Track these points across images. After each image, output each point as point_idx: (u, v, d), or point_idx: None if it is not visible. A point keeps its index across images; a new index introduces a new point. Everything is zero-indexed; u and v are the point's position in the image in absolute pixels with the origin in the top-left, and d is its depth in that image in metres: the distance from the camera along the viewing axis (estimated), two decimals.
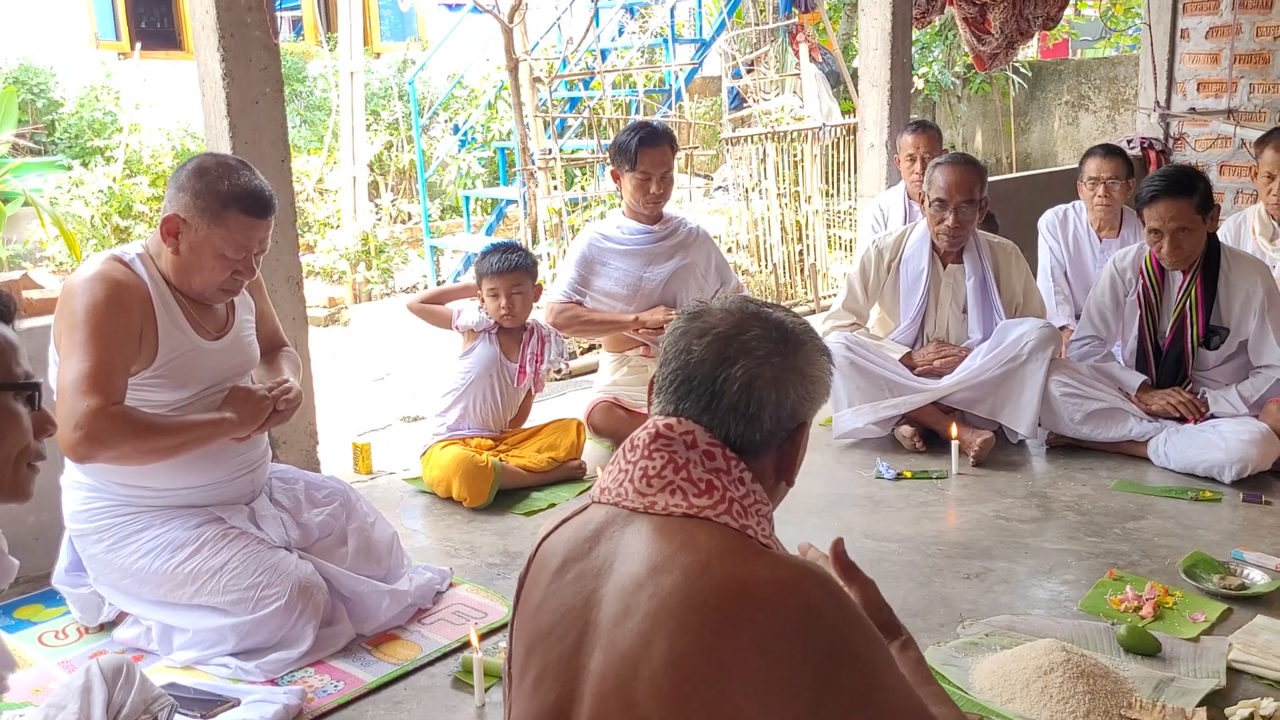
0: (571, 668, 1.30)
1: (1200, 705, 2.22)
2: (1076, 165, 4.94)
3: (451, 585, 2.85)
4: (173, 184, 2.42)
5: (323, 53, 9.37)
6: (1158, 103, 7.12)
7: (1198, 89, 7.21)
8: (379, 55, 10.68)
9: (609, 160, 4.03)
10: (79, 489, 2.49)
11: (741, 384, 1.33)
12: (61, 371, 2.30)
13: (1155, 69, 7.15)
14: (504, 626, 2.65)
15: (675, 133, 3.99)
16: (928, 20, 6.09)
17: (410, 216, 9.42)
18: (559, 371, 4.02)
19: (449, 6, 9.82)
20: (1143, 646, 2.45)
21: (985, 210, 3.95)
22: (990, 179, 4.30)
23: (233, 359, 2.58)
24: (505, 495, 3.50)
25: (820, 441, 4.04)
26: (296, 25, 11.19)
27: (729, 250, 7.46)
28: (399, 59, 10.31)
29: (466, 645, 2.39)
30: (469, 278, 7.22)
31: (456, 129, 9.15)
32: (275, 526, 2.56)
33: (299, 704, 2.22)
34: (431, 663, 2.51)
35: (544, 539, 1.42)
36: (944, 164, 3.89)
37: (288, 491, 2.69)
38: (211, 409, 2.49)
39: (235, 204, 2.38)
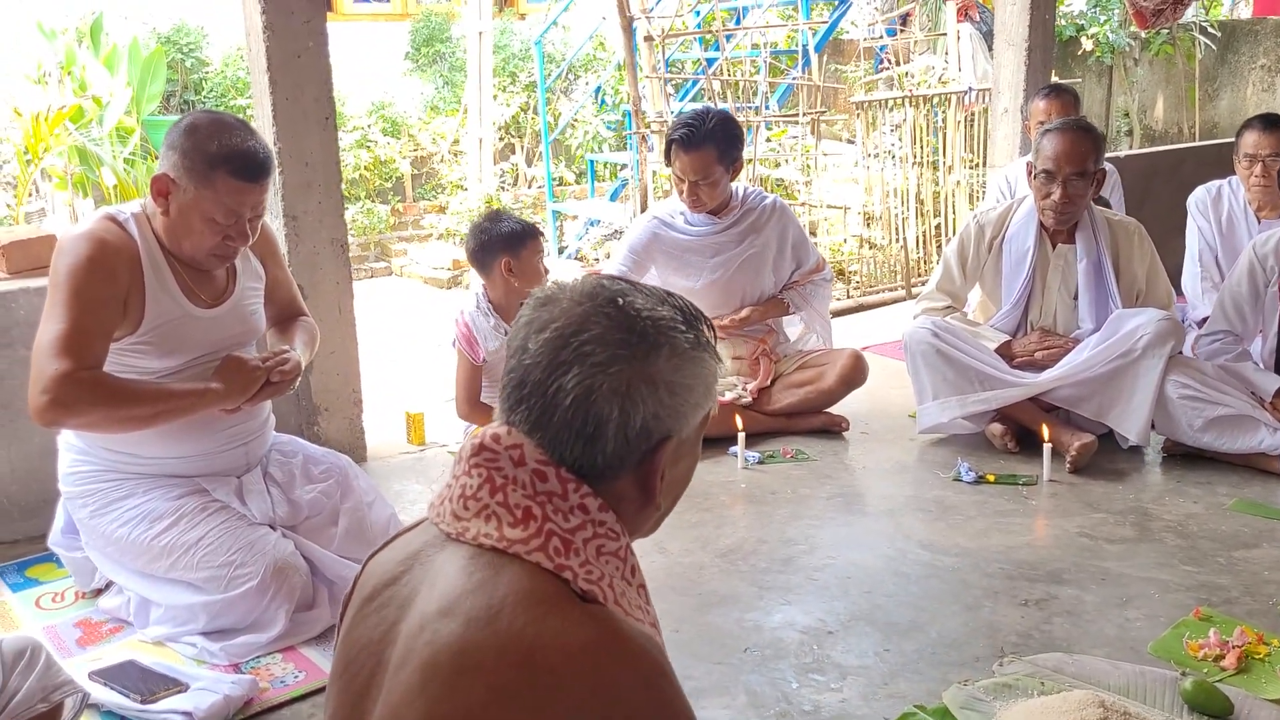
0: (356, 713, 1.10)
1: None
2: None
3: None
4: (165, 141, 2.32)
5: (460, 13, 9.36)
6: None
7: None
8: (524, 16, 10.61)
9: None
10: (69, 451, 2.45)
11: (575, 398, 1.07)
12: (39, 332, 2.24)
13: None
14: None
15: (726, 124, 3.61)
16: None
17: (538, 180, 9.35)
18: None
19: None
20: (1210, 706, 2.06)
21: (1100, 184, 3.48)
22: (1150, 149, 3.79)
23: (230, 328, 2.48)
24: None
25: (903, 436, 3.71)
26: None
27: (865, 223, 7.04)
28: (544, 20, 10.22)
29: None
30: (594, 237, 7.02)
31: (598, 90, 9.00)
32: (261, 502, 2.46)
33: (244, 694, 2.11)
34: None
35: (371, 556, 1.22)
36: (1054, 130, 3.44)
37: (284, 465, 2.59)
38: (203, 379, 2.39)
39: (224, 165, 2.26)
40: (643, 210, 6.20)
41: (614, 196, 7.99)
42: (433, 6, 10.29)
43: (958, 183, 6.89)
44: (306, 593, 2.41)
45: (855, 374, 3.70)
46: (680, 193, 3.68)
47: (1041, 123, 4.53)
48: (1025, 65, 5.11)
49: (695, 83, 7.36)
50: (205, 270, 2.42)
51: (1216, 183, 4.30)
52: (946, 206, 6.82)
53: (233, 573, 2.31)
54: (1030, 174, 3.53)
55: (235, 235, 2.33)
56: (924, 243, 6.83)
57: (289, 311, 2.72)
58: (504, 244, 3.33)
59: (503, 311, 3.38)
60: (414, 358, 5.25)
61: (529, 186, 8.80)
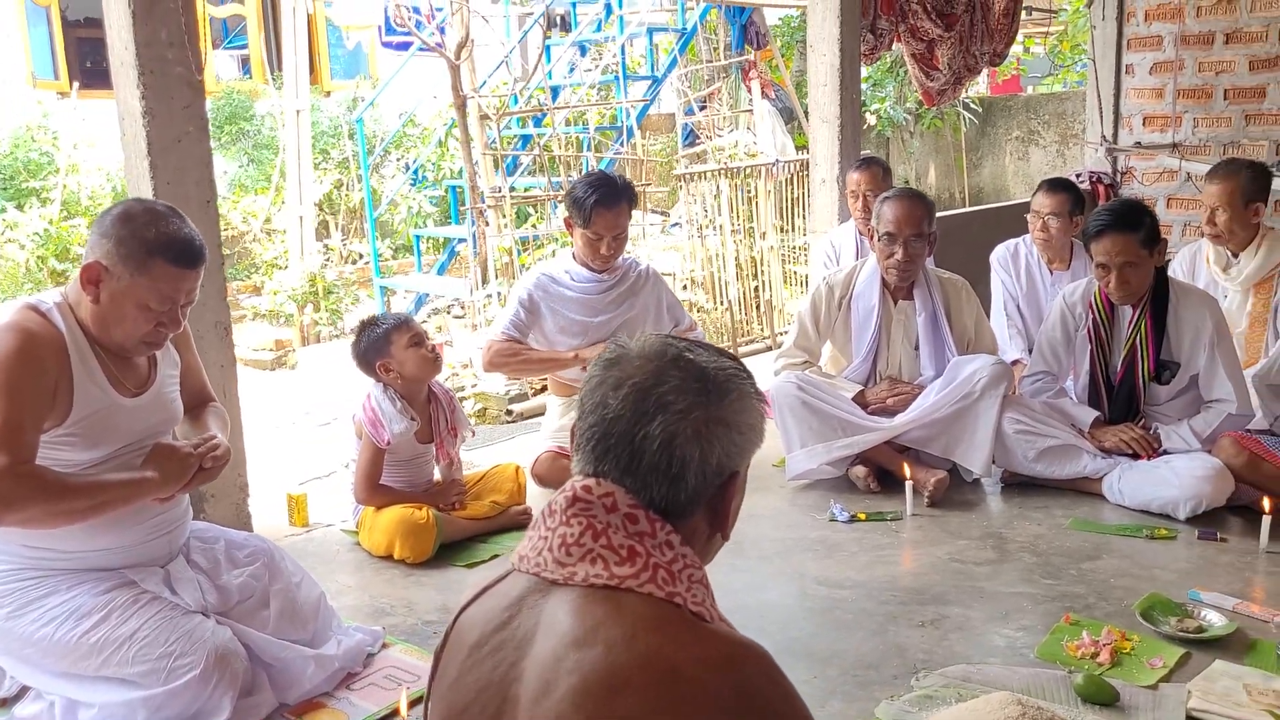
0: None
1: None
2: (1027, 200, 4.94)
3: (384, 646, 2.71)
4: (95, 229, 2.29)
5: (270, 91, 9.26)
6: (1104, 137, 7.18)
7: (1143, 123, 7.29)
8: (329, 94, 10.57)
9: (565, 206, 3.92)
10: None
11: (661, 442, 1.22)
12: None
13: (1101, 104, 7.21)
14: None
15: (630, 180, 3.88)
16: (876, 56, 6.09)
17: (360, 256, 9.28)
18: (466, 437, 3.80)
19: (391, 46, 9.74)
20: (1100, 696, 2.36)
21: (934, 245, 3.90)
22: (940, 214, 4.26)
23: (153, 416, 2.44)
24: (447, 547, 3.36)
25: (774, 483, 3.96)
26: (244, 64, 11.06)
27: (684, 287, 7.40)
28: (349, 97, 10.22)
29: (395, 714, 2.26)
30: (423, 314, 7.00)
31: (408, 167, 9.05)
32: (191, 590, 2.41)
33: None
34: None
35: (462, 610, 1.31)
36: (892, 198, 3.84)
37: (206, 552, 2.55)
38: (129, 469, 2.34)
39: (162, 252, 2.26)
40: (484, 283, 6.32)
41: (441, 270, 8.05)
42: (234, 84, 10.11)
43: (771, 247, 7.38)
44: (247, 678, 2.37)
45: None
46: (588, 256, 3.82)
47: (853, 192, 5.02)
48: (838, 139, 5.60)
49: (515, 159, 7.58)
50: (128, 359, 2.38)
51: (1014, 240, 4.84)
52: (760, 270, 7.27)
53: (172, 664, 2.26)
54: (872, 238, 3.91)
55: (168, 322, 2.32)
56: (745, 304, 7.25)
57: (200, 398, 2.69)
58: (373, 353, 3.42)
59: (408, 396, 3.43)
60: (261, 440, 5.13)
61: (356, 262, 8.72)
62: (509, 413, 5.46)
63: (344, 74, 11.04)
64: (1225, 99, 7.07)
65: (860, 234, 5.12)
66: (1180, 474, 3.45)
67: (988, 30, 6.57)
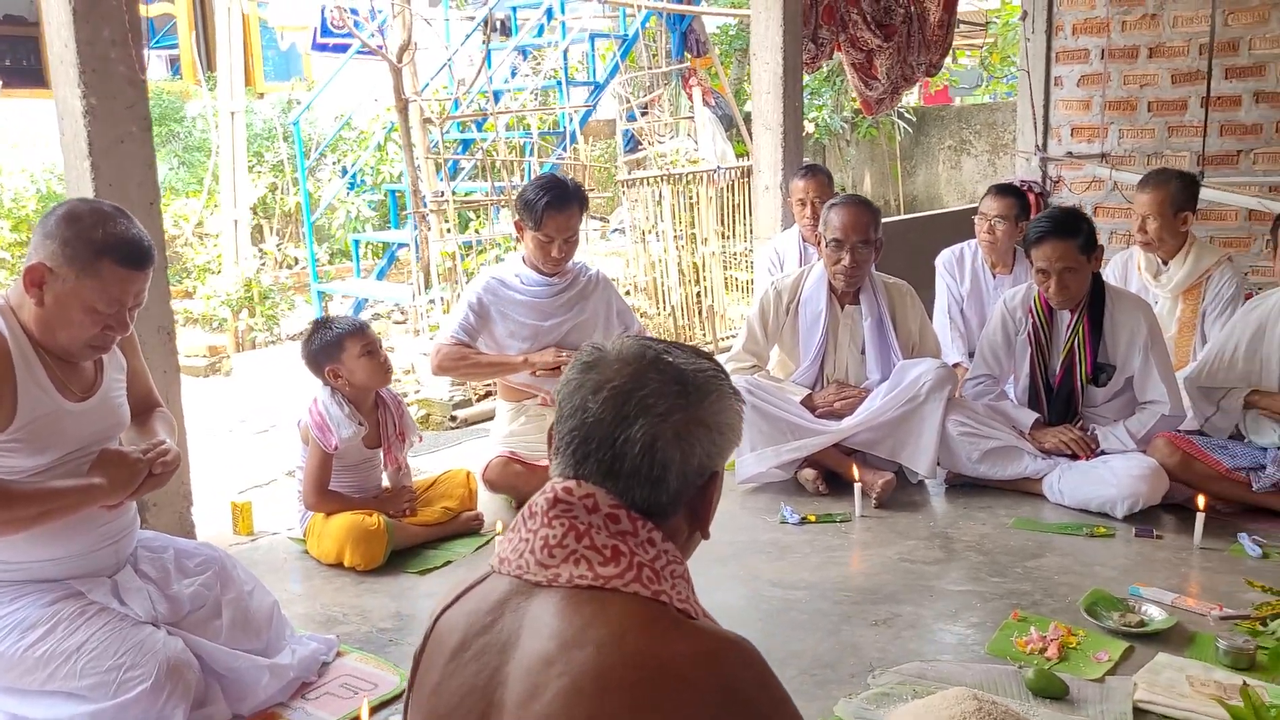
0: None
1: None
2: (961, 207, 5.05)
3: (339, 654, 2.68)
4: (39, 230, 2.23)
5: (201, 92, 9.07)
6: (1038, 147, 7.36)
7: (1071, 134, 7.49)
8: (262, 95, 10.40)
9: (514, 210, 3.90)
10: None
11: (643, 445, 1.23)
12: None
13: (1035, 115, 7.40)
14: (397, 698, 2.49)
15: (580, 186, 3.87)
16: (817, 65, 6.17)
17: (296, 261, 9.13)
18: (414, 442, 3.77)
19: (324, 48, 9.61)
20: (1050, 690, 2.42)
21: (880, 250, 3.97)
22: (885, 219, 4.33)
23: (100, 421, 2.37)
24: (398, 554, 3.33)
25: (724, 487, 3.97)
26: (174, 64, 10.83)
27: (627, 293, 7.41)
28: (283, 99, 10.06)
29: None
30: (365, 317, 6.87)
31: (345, 171, 8.93)
32: (141, 600, 2.36)
33: None
34: None
35: (440, 613, 1.30)
36: (839, 205, 3.90)
37: (155, 561, 2.49)
38: (76, 475, 2.28)
39: (110, 253, 2.20)
40: (427, 287, 6.26)
41: (381, 275, 7.95)
42: (164, 85, 9.89)
43: (712, 253, 7.43)
44: (199, 690, 2.32)
45: None
46: (539, 259, 3.81)
47: (801, 199, 5.08)
48: (781, 147, 5.66)
49: (455, 163, 7.53)
50: (73, 363, 2.32)
51: (960, 245, 4.95)
52: (702, 276, 7.32)
53: (122, 676, 2.20)
54: (820, 244, 3.96)
55: (115, 325, 2.26)
56: (687, 310, 7.29)
57: (147, 403, 2.63)
58: (324, 357, 3.38)
59: (355, 401, 3.38)
60: (197, 448, 5.02)
61: (292, 267, 8.58)
62: (453, 419, 5.42)
63: (277, 76, 10.87)
64: (1149, 111, 7.31)
65: (804, 240, 5.19)
66: (1118, 473, 3.55)
67: (924, 41, 6.70)
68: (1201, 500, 3.35)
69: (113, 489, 2.27)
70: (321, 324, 3.43)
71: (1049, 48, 7.48)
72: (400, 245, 7.90)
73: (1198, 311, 4.31)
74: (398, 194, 8.24)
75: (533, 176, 7.15)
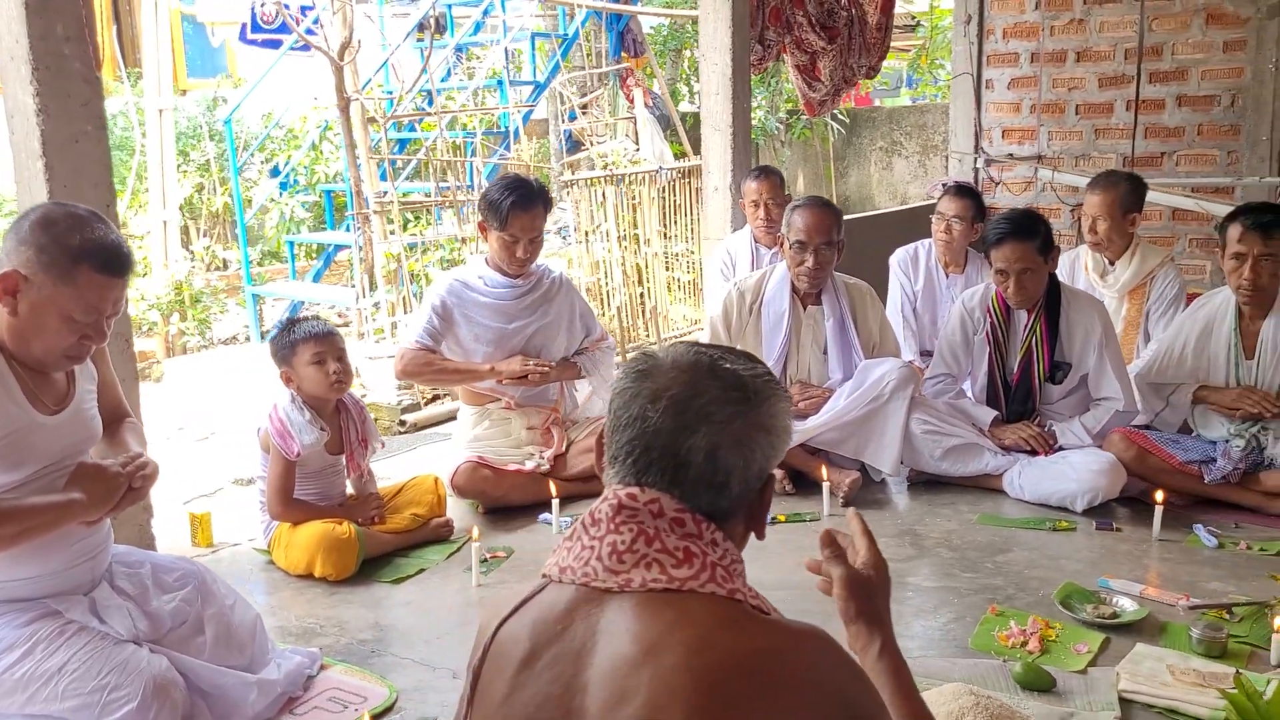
0: None
1: None
2: (897, 208, 5.13)
3: (322, 668, 2.61)
4: (12, 237, 2.13)
5: (122, 88, 8.77)
6: (982, 149, 7.54)
7: (1002, 136, 7.68)
8: (185, 92, 10.10)
9: (478, 210, 3.85)
10: None
11: (706, 453, 1.24)
12: None
13: (979, 116, 7.59)
14: (389, 709, 2.44)
15: (545, 186, 3.84)
16: (764, 67, 6.22)
17: (225, 264, 8.90)
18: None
19: (255, 44, 9.39)
20: (1038, 683, 2.47)
21: (842, 251, 4.01)
22: None
23: (74, 434, 2.28)
24: (369, 563, 3.26)
25: None
26: None
27: None
28: (208, 97, 9.79)
29: None
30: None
31: (276, 171, 8.72)
32: (121, 618, 2.27)
33: None
34: None
35: (499, 625, 1.27)
36: (802, 207, 3.93)
37: (132, 577, 2.39)
38: (52, 490, 2.18)
39: (88, 260, 2.11)
40: (372, 289, 6.15)
41: (317, 277, 7.79)
42: None
43: (655, 254, 7.43)
44: (186, 708, 2.24)
45: None
46: (504, 260, 3.77)
47: (755, 200, 5.12)
48: (731, 148, 5.69)
49: (391, 163, 7.41)
50: (45, 374, 2.22)
51: (914, 244, 5.03)
52: (645, 277, 7.32)
53: (107, 697, 2.11)
54: (783, 245, 3.99)
55: (93, 334, 2.18)
56: (631, 311, 7.28)
57: (116, 414, 2.53)
58: (278, 358, 3.32)
59: (316, 407, 3.30)
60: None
61: (224, 269, 8.35)
62: (402, 423, 5.34)
63: (201, 72, 10.58)
64: (1077, 114, 7.52)
65: (757, 241, 5.22)
66: (1078, 469, 3.64)
67: (865, 44, 6.80)
68: (1160, 494, 3.45)
69: (93, 504, 2.18)
70: (288, 324, 3.35)
71: (980, 51, 7.66)
72: (338, 247, 7.75)
73: (1142, 310, 4.45)
74: (333, 194, 8.08)
75: (474, 176, 7.09)
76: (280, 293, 7.56)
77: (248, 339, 7.73)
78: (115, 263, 2.15)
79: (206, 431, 5.57)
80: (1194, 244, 7.22)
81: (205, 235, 8.78)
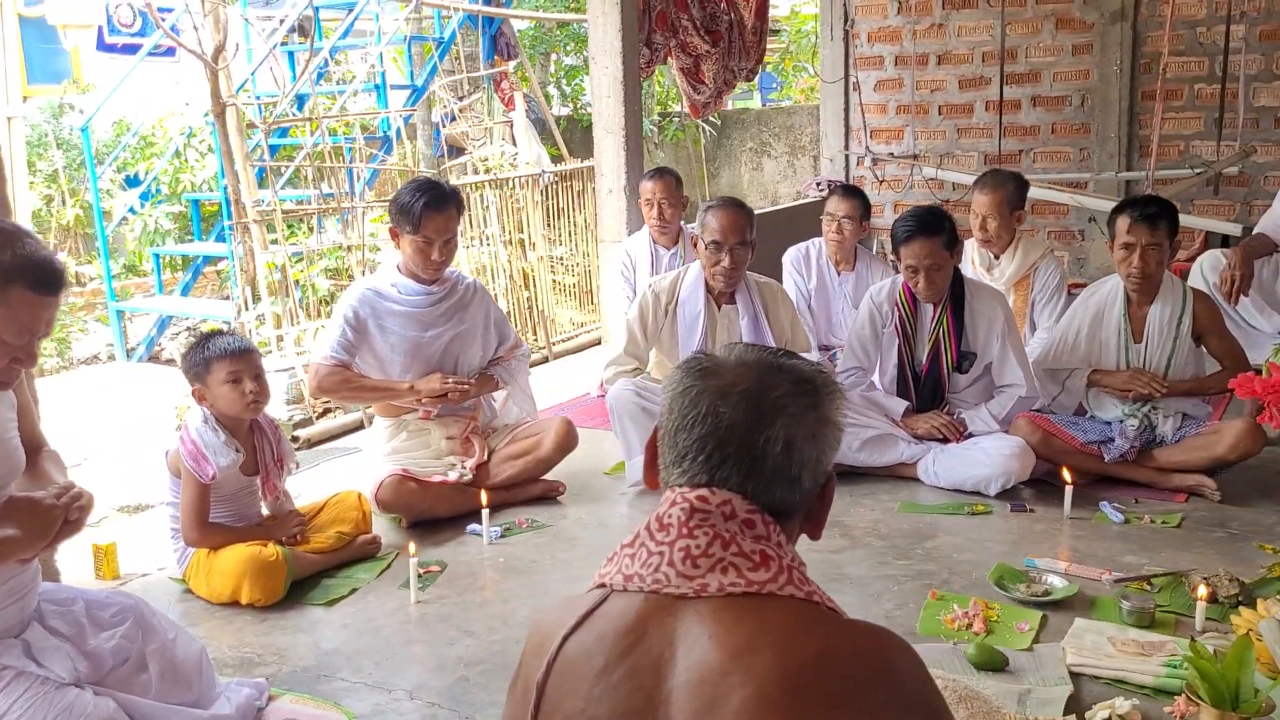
0: None
1: (1066, 714, 2.34)
2: (769, 208, 5.24)
3: (271, 699, 2.49)
4: None
5: None
6: (868, 149, 7.77)
7: (870, 135, 7.94)
8: (26, 99, 9.47)
9: (389, 216, 3.73)
10: None
11: (784, 444, 1.23)
12: None
13: (848, 118, 7.81)
14: None
15: (456, 188, 3.76)
16: (651, 70, 6.26)
17: (80, 279, 8.38)
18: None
19: (111, 48, 8.90)
20: (992, 662, 2.56)
21: (754, 250, 4.06)
22: (692, 224, 4.44)
23: None
24: (296, 585, 3.13)
25: (612, 492, 3.97)
26: None
27: None
28: (53, 104, 9.21)
29: None
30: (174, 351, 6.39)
31: (133, 180, 8.27)
32: (60, 659, 2.10)
33: None
34: None
35: (565, 639, 1.23)
36: (716, 207, 3.96)
37: (65, 615, 2.22)
38: None
39: (21, 279, 1.95)
40: (255, 301, 5.90)
41: (186, 290, 7.42)
42: None
43: (540, 258, 7.38)
44: None
45: (569, 440, 3.90)
46: (419, 264, 3.66)
47: (649, 200, 5.15)
48: (624, 150, 5.70)
49: (262, 170, 7.12)
50: None
51: (805, 243, 5.15)
52: (531, 281, 7.25)
53: None
54: (697, 245, 4.02)
55: (24, 357, 2.01)
56: (519, 316, 7.21)
57: (34, 443, 2.34)
58: (190, 375, 3.16)
59: (230, 426, 3.14)
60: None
61: (82, 285, 7.87)
62: (295, 439, 5.14)
63: (44, 78, 9.92)
64: (940, 114, 7.84)
65: (655, 242, 5.25)
66: (990, 454, 3.78)
67: (743, 47, 6.92)
68: (1069, 474, 3.62)
69: (29, 541, 2.01)
70: (202, 339, 3.17)
71: (847, 54, 7.90)
72: (206, 258, 7.40)
73: (1028, 301, 4.67)
74: (200, 204, 7.72)
75: (354, 182, 6.88)
76: (147, 308, 7.17)
77: (112, 358, 7.30)
78: (49, 280, 1.99)
79: (79, 458, 5.23)
80: (1051, 235, 7.64)
81: (57, 249, 8.25)
